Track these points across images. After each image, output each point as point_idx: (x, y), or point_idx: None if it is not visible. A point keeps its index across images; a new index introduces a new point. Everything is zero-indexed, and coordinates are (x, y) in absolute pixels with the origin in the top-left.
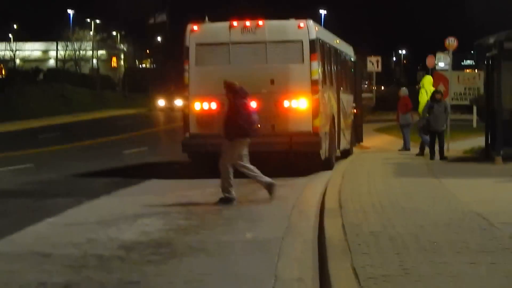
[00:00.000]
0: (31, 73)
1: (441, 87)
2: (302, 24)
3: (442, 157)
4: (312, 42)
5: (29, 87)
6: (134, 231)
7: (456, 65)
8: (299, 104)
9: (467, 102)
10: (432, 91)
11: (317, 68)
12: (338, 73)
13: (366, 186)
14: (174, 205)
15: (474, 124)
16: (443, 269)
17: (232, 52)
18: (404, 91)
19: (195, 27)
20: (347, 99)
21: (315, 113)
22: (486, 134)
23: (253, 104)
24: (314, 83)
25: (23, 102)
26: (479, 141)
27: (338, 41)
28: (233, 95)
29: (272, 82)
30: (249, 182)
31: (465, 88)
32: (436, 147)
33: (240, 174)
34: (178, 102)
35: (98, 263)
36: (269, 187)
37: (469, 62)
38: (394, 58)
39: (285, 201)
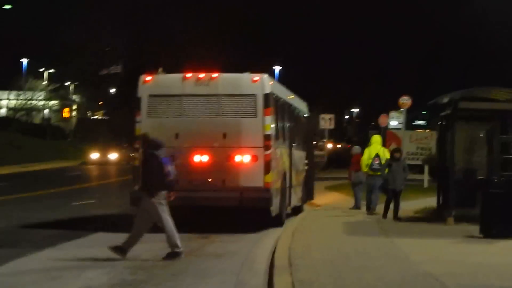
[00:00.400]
0: None
1: (393, 146)
2: (256, 78)
3: (396, 217)
4: (266, 96)
5: None
6: (79, 286)
7: (408, 125)
8: (251, 159)
9: (419, 162)
10: (378, 151)
11: (270, 123)
12: (291, 128)
13: (317, 243)
14: (119, 259)
15: (425, 184)
16: None
17: (185, 104)
18: (356, 149)
19: (148, 78)
20: (299, 155)
21: (267, 169)
22: (437, 194)
23: (205, 158)
24: (266, 138)
25: None
26: (430, 201)
27: (292, 96)
28: (146, 147)
29: (224, 136)
30: (199, 237)
31: (417, 148)
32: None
33: (186, 228)
34: (112, 156)
35: None
36: (172, 253)
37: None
38: (347, 116)
39: (234, 257)
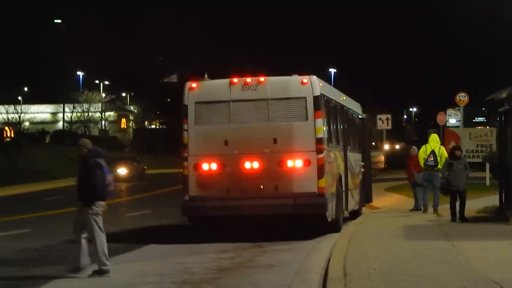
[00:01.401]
0: (37, 135)
1: (453, 144)
2: (305, 80)
3: (463, 218)
4: (316, 99)
5: (35, 149)
6: None
7: (468, 123)
8: (303, 163)
9: (479, 160)
10: (434, 148)
11: (321, 125)
12: (345, 131)
13: (374, 250)
14: (168, 274)
15: (487, 182)
16: None
17: (232, 110)
18: (414, 150)
19: (194, 85)
20: (355, 157)
21: (320, 173)
22: (500, 192)
23: (255, 164)
24: (318, 141)
25: (29, 164)
26: (493, 200)
27: (344, 97)
28: (90, 155)
29: (275, 141)
30: (252, 246)
31: (477, 145)
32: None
33: (239, 237)
34: (122, 171)
35: None
36: (99, 271)
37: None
38: (406, 116)
39: (288, 267)
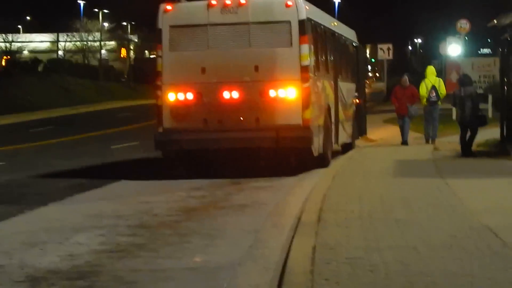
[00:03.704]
0: (30, 63)
1: (454, 75)
2: (290, 3)
3: (470, 152)
4: (302, 23)
5: (28, 78)
6: (59, 253)
7: (473, 54)
8: (287, 93)
9: (481, 91)
10: (434, 82)
11: (307, 52)
12: (336, 59)
13: (358, 189)
14: (127, 215)
15: (490, 114)
16: None
17: (210, 35)
18: (406, 80)
19: (168, 7)
20: (347, 88)
21: (306, 104)
22: (501, 125)
23: (235, 94)
24: (304, 69)
25: (21, 94)
26: (494, 133)
27: (336, 23)
28: None
29: (256, 68)
30: (230, 182)
31: (479, 76)
32: None
33: (218, 173)
34: None
35: None
36: None
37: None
38: (410, 48)
39: (261, 208)
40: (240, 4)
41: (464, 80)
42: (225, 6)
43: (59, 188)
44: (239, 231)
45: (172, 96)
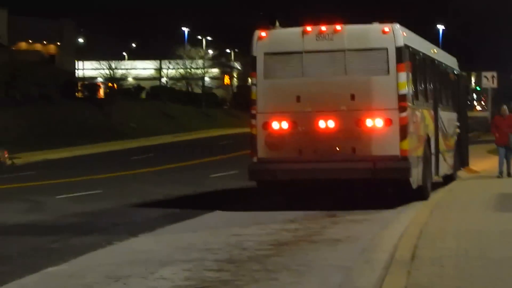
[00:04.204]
0: (133, 90)
1: None
2: (387, 29)
3: None
4: (399, 50)
5: (131, 105)
6: None
7: None
8: (384, 123)
9: None
10: None
11: (405, 80)
12: (436, 87)
13: (456, 223)
14: (216, 248)
15: None
16: None
17: (305, 62)
18: (506, 109)
19: (263, 34)
20: (448, 117)
21: (403, 134)
22: None
23: (331, 123)
24: (401, 98)
25: (124, 121)
26: None
27: (435, 50)
28: None
29: (353, 97)
30: (325, 215)
31: None
32: None
33: (312, 204)
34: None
35: None
36: None
37: None
38: None
39: (355, 243)
40: (335, 31)
41: None
42: (320, 32)
43: (151, 218)
44: (330, 267)
45: (267, 125)
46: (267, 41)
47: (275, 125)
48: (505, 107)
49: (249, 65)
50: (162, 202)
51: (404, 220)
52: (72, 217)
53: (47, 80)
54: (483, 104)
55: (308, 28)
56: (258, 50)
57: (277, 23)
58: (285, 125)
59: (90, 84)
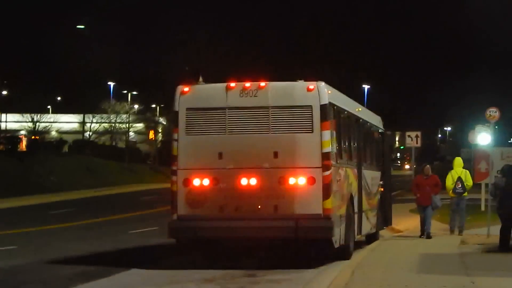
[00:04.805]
0: (55, 144)
1: (484, 165)
2: (311, 87)
3: (508, 247)
4: (324, 108)
5: (52, 158)
6: None
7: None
8: (307, 181)
9: None
10: (460, 174)
11: (329, 138)
12: (360, 146)
13: (378, 286)
14: None
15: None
16: None
17: (228, 119)
18: (429, 169)
19: (186, 89)
20: (372, 175)
21: (327, 193)
22: None
23: (253, 181)
24: (325, 156)
25: (44, 174)
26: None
27: (360, 109)
28: None
29: (276, 155)
30: (244, 274)
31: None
32: None
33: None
34: None
35: None
36: None
37: None
38: (440, 135)
39: None
40: (259, 87)
41: (509, 171)
42: (244, 88)
43: (63, 276)
44: None
45: (188, 182)
46: (190, 96)
47: (196, 181)
48: (428, 166)
49: (172, 120)
50: (78, 258)
51: (325, 281)
52: None
53: None
54: (405, 163)
55: (232, 84)
56: (180, 105)
57: (201, 78)
58: (206, 181)
59: (11, 136)
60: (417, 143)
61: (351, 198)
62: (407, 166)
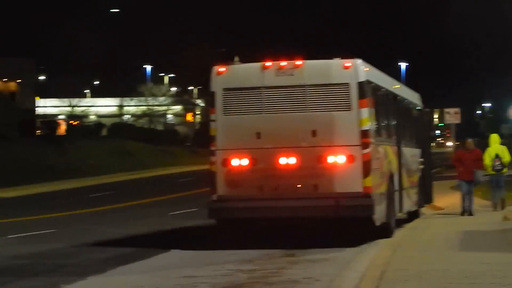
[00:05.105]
0: (93, 127)
1: None
2: (348, 64)
3: None
4: (361, 85)
5: (91, 143)
6: None
7: None
8: (346, 159)
9: None
10: (497, 151)
11: (367, 116)
12: (399, 123)
13: (419, 264)
14: None
15: None
16: None
17: (265, 98)
18: (471, 143)
19: (222, 69)
20: (411, 153)
21: (366, 171)
22: None
23: (292, 160)
24: (364, 134)
25: (83, 158)
26: None
27: (398, 86)
28: None
29: (314, 133)
30: (283, 254)
31: None
32: None
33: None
34: None
35: None
36: None
37: None
38: (480, 111)
39: (314, 285)
40: (295, 66)
41: None
42: (280, 67)
43: (103, 259)
44: None
45: (226, 162)
46: (226, 76)
47: (234, 162)
48: (470, 140)
49: (209, 101)
50: (117, 241)
51: (365, 260)
52: (20, 258)
53: (4, 118)
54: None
55: (268, 63)
56: (216, 85)
57: (237, 59)
58: (245, 162)
59: (49, 121)
60: (456, 119)
61: (391, 175)
62: (448, 143)
